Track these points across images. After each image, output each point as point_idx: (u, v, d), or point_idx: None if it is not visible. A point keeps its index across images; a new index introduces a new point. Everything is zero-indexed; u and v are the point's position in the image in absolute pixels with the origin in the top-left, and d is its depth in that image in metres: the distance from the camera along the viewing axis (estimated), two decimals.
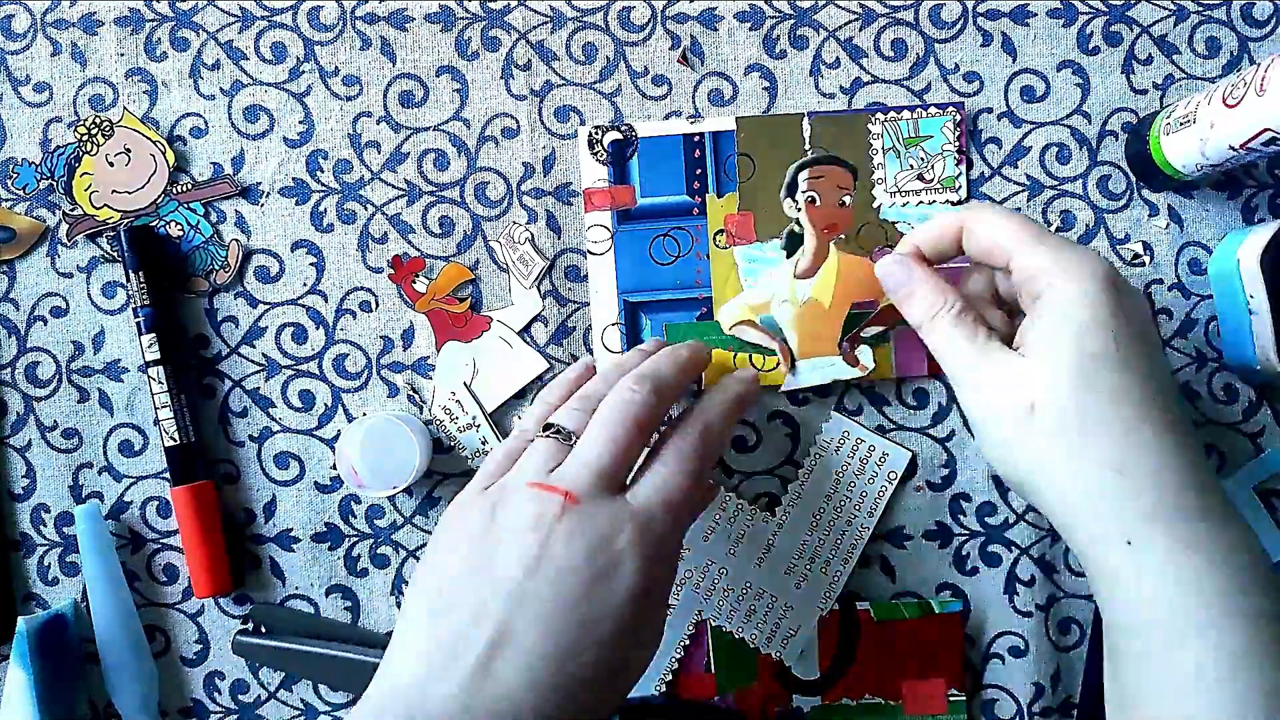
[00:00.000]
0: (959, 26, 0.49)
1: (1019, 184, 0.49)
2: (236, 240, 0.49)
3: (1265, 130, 0.39)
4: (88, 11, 0.49)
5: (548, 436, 0.40)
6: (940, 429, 0.49)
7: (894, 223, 0.48)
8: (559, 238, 0.49)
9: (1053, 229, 0.48)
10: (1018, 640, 0.49)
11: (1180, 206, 0.49)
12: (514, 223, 0.49)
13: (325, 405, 0.49)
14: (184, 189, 0.49)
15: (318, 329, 0.49)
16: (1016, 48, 0.49)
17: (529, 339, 0.49)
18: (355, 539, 0.50)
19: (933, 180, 0.48)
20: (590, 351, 0.49)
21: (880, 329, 0.48)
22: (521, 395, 0.49)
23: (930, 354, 0.43)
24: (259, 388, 0.49)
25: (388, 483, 0.46)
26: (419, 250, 0.49)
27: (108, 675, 0.48)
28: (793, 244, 0.48)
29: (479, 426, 0.49)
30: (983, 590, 0.49)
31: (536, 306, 0.49)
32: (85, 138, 0.49)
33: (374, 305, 0.49)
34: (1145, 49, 0.49)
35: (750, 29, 0.49)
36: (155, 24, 0.49)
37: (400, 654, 0.37)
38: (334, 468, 0.49)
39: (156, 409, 0.48)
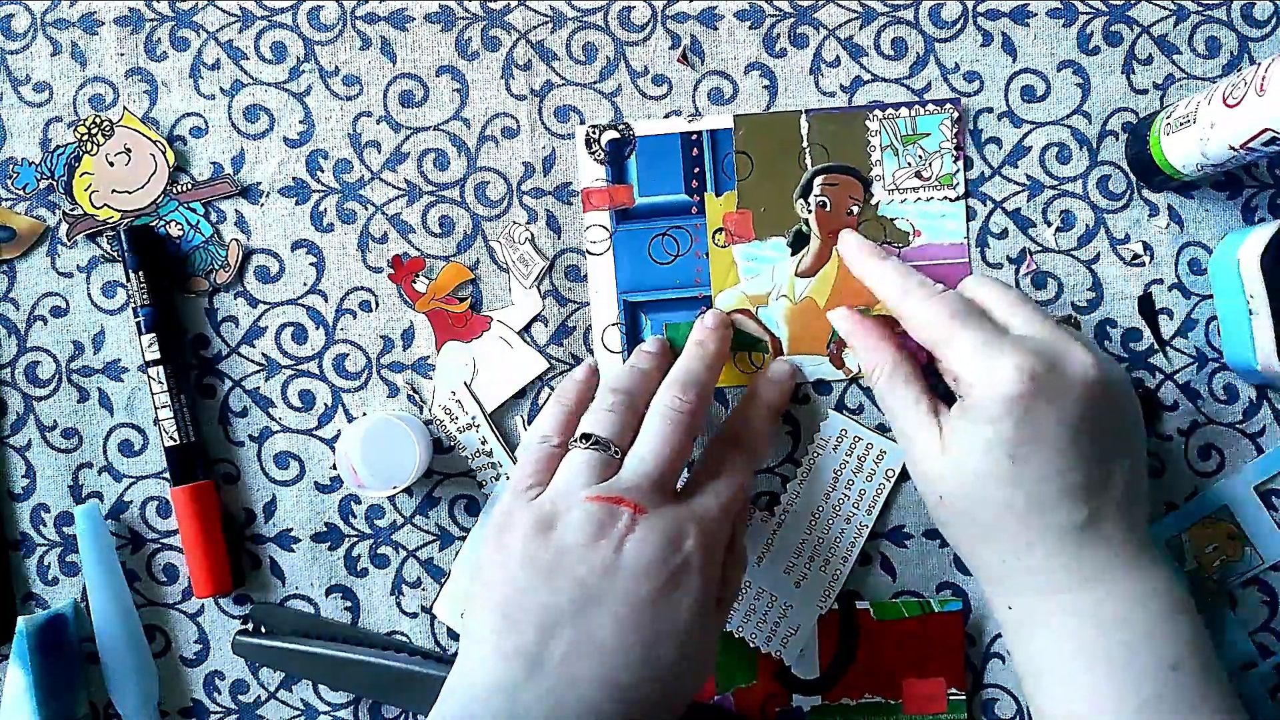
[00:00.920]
0: (959, 26, 0.49)
1: (1019, 184, 0.49)
2: (236, 240, 0.49)
3: (1265, 130, 0.39)
4: (88, 11, 0.49)
5: (588, 449, 0.41)
6: None
7: (892, 219, 0.48)
8: (559, 237, 0.49)
9: (1053, 229, 0.49)
10: None
11: (1180, 206, 0.49)
12: (514, 223, 0.49)
13: (325, 405, 0.49)
14: (184, 189, 0.49)
15: (318, 329, 0.49)
16: (1016, 47, 0.49)
17: (529, 339, 0.49)
18: (355, 539, 0.50)
19: (930, 178, 0.48)
20: (590, 352, 0.49)
21: None
22: (521, 395, 0.49)
23: (929, 352, 0.43)
24: (259, 388, 0.49)
25: (388, 483, 0.46)
26: (419, 250, 0.49)
27: (108, 675, 0.48)
28: (798, 242, 0.49)
29: (479, 426, 0.49)
30: (983, 589, 0.49)
31: (536, 306, 0.49)
32: (85, 137, 0.49)
33: (374, 305, 0.49)
34: (1145, 49, 0.49)
35: (750, 28, 0.49)
36: (155, 24, 0.49)
37: (476, 665, 0.37)
38: (334, 468, 0.49)
39: (156, 409, 0.48)
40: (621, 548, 0.38)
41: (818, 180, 0.49)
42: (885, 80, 0.49)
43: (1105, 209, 0.49)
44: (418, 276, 0.49)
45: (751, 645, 0.49)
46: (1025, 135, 0.49)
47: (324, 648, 0.49)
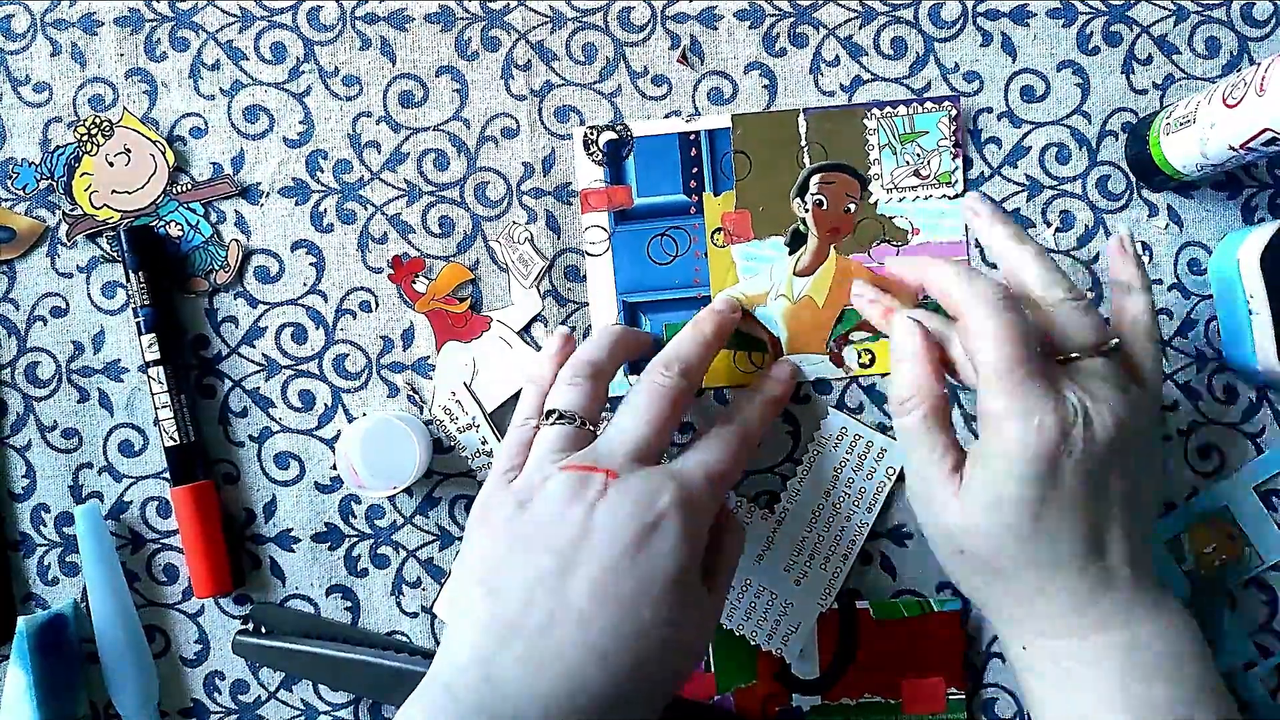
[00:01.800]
0: (959, 26, 0.49)
1: (1018, 184, 0.49)
2: (236, 240, 0.49)
3: (1265, 130, 0.39)
4: (87, 11, 0.49)
5: (554, 424, 0.41)
6: None
7: (890, 218, 0.48)
8: (559, 238, 0.49)
9: (1052, 229, 0.48)
10: None
11: (1180, 206, 0.49)
12: (514, 223, 0.49)
13: (325, 405, 0.49)
14: (184, 189, 0.49)
15: (318, 329, 0.49)
16: (1016, 47, 0.49)
17: (529, 339, 0.49)
18: (355, 539, 0.50)
19: (929, 176, 0.48)
20: None
21: (869, 334, 0.48)
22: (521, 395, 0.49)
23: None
24: (259, 388, 0.49)
25: (388, 483, 0.46)
26: (419, 250, 0.49)
27: (108, 675, 0.48)
28: (796, 241, 0.49)
29: (479, 426, 0.49)
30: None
31: (536, 306, 0.49)
32: (85, 138, 0.49)
33: (374, 305, 0.49)
34: (1145, 49, 0.49)
35: (750, 27, 0.49)
36: (155, 24, 0.49)
37: (458, 636, 0.37)
38: (334, 468, 0.50)
39: (156, 409, 0.48)
40: (593, 511, 0.37)
41: (814, 179, 0.49)
42: (885, 80, 0.49)
43: (1105, 209, 0.49)
44: (417, 277, 0.49)
45: (752, 643, 0.49)
46: (1025, 135, 0.49)
47: (324, 648, 0.49)
